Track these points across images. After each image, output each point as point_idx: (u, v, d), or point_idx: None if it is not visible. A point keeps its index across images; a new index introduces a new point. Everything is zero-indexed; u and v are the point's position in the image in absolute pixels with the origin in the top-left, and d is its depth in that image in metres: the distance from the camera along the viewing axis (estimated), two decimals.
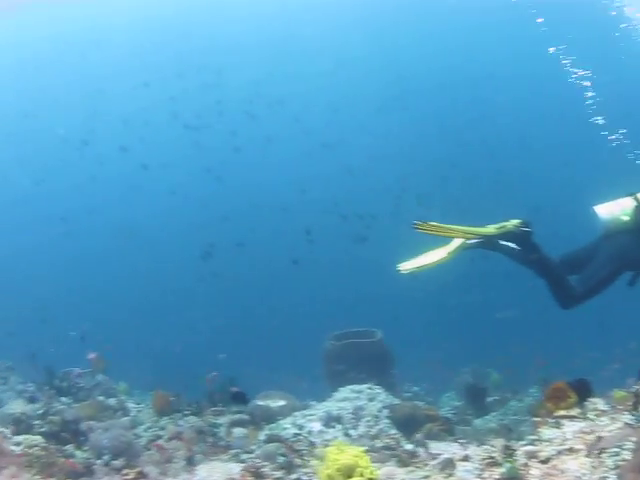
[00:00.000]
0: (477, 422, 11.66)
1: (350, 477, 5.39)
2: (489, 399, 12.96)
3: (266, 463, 7.59)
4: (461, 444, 7.76)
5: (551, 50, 12.88)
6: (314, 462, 6.08)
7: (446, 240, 8.16)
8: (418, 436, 9.18)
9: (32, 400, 10.97)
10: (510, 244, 8.13)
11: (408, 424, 9.71)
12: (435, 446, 8.19)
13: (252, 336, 21.21)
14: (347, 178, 25.81)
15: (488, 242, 8.15)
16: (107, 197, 29.48)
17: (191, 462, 8.67)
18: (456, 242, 8.15)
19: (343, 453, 5.50)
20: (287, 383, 12.99)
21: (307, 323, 19.91)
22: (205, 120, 26.69)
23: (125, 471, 6.60)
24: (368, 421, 9.93)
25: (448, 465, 6.76)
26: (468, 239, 8.14)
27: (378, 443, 8.78)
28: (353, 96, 29.34)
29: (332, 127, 28.65)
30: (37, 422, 9.73)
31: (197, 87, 28.69)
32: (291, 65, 30.34)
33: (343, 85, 29.96)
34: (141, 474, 6.50)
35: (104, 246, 28.02)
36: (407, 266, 8.09)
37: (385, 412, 10.19)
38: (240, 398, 9.72)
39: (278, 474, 7.32)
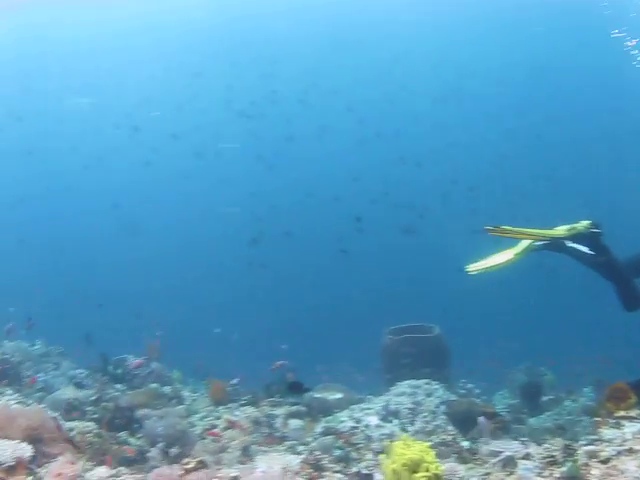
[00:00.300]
0: (531, 421, 11.53)
1: (415, 472, 5.35)
2: (544, 398, 12.83)
3: (324, 456, 7.58)
4: (522, 442, 7.70)
5: (614, 33, 12.64)
6: (380, 456, 6.04)
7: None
8: (485, 424, 9.14)
9: (79, 386, 11.05)
10: (579, 246, 8.06)
11: (465, 421, 9.63)
12: (492, 444, 8.14)
13: (305, 327, 21.23)
14: (399, 169, 25.63)
15: (555, 244, 8.10)
16: (159, 185, 29.73)
17: (246, 452, 8.67)
18: (523, 244, 8.14)
19: (409, 448, 5.48)
20: (344, 376, 12.99)
21: (362, 315, 19.89)
22: (259, 109, 26.72)
23: (186, 460, 6.57)
24: (425, 417, 9.86)
25: (509, 463, 6.71)
26: (536, 241, 8.11)
27: (435, 439, 8.74)
28: (409, 87, 29.24)
29: (387, 117, 28.53)
30: (90, 408, 9.81)
31: (252, 76, 28.77)
32: (347, 55, 30.31)
33: (399, 76, 29.84)
34: (202, 464, 6.47)
35: (157, 234, 28.27)
36: (476, 267, 8.12)
37: (442, 408, 10.12)
38: (297, 388, 9.67)
39: (337, 467, 7.30)
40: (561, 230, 8.10)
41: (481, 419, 9.16)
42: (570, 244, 8.06)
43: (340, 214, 23.15)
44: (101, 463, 7.22)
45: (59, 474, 6.16)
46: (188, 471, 6.35)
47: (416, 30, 28.74)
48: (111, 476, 6.53)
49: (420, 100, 28.72)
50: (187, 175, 28.54)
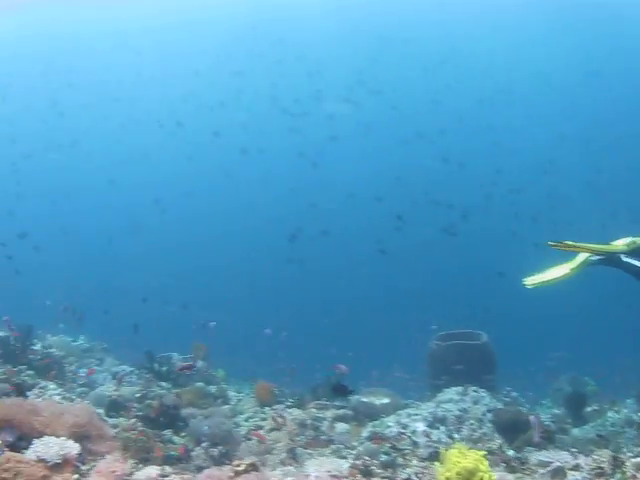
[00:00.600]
0: (575, 431, 11.41)
1: None
2: (587, 409, 12.70)
3: (372, 461, 7.55)
4: (571, 453, 7.65)
5: None
6: (429, 463, 6.01)
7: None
8: (537, 423, 9.12)
9: (121, 383, 11.08)
10: (634, 261, 8.05)
11: (511, 429, 9.56)
12: (539, 453, 8.08)
13: (352, 329, 21.18)
14: (443, 169, 25.47)
15: (611, 259, 8.11)
16: (202, 181, 29.84)
17: (292, 454, 8.65)
18: (580, 258, 8.20)
19: (465, 456, 5.45)
20: (392, 380, 12.95)
21: (409, 318, 19.79)
22: (303, 107, 26.72)
23: (236, 462, 6.52)
24: (472, 424, 9.80)
25: (559, 473, 6.66)
26: (592, 255, 8.15)
27: (481, 447, 8.68)
28: (455, 87, 29.13)
29: (431, 117, 28.40)
30: (134, 405, 9.82)
31: (298, 75, 28.76)
32: (393, 54, 30.28)
33: (446, 75, 29.72)
34: (253, 466, 6.43)
35: (201, 229, 28.43)
36: (533, 281, 8.21)
37: (489, 416, 10.06)
38: (341, 390, 9.61)
39: (386, 473, 7.26)
40: (621, 245, 8.09)
41: (532, 418, 9.15)
42: (625, 259, 8.06)
43: (381, 214, 23.11)
44: (145, 461, 7.23)
45: (111, 471, 6.16)
46: (238, 473, 6.30)
47: (464, 30, 28.63)
48: (159, 475, 6.52)
49: (466, 100, 28.61)
50: (230, 172, 28.61)
